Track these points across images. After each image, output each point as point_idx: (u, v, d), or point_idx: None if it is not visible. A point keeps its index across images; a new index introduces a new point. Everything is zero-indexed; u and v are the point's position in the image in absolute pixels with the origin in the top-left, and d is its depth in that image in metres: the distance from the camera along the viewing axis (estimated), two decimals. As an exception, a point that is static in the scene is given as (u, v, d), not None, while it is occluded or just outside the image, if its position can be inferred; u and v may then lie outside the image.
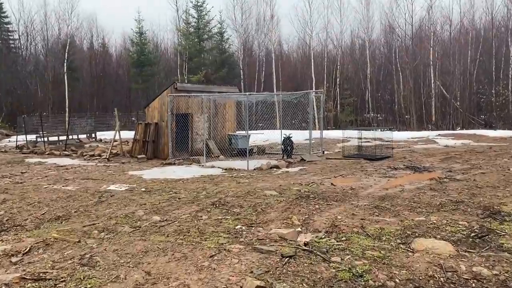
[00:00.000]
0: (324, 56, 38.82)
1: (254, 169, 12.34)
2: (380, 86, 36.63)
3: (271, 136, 20.38)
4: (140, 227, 6.06)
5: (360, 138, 15.82)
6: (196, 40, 35.28)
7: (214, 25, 37.94)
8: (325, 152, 15.94)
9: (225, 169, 12.48)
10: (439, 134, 22.93)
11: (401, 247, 4.96)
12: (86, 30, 43.28)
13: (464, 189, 8.48)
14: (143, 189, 9.05)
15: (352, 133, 17.45)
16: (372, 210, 6.78)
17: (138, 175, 11.56)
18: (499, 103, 29.45)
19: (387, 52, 39.18)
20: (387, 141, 16.72)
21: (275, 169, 12.43)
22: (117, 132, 16.44)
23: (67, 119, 33.61)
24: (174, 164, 14.02)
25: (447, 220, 6.06)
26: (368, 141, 17.71)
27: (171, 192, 8.54)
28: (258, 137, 20.62)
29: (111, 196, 8.21)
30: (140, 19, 37.48)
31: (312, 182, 9.66)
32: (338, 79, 36.53)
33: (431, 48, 31.01)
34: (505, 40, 33.18)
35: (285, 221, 6.24)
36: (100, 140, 23.26)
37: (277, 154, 15.85)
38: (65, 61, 34.83)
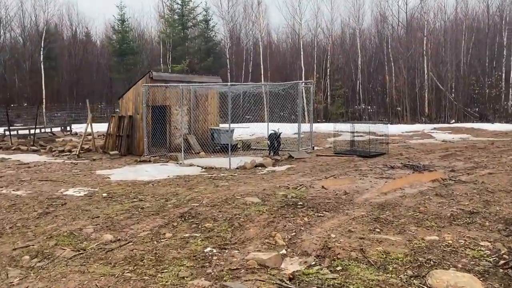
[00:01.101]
0: (314, 45, 37.54)
1: (237, 168, 11.14)
2: (371, 77, 35.52)
3: (258, 130, 19.19)
4: (85, 250, 4.83)
5: (353, 132, 14.70)
6: (180, 27, 33.66)
7: (199, 12, 36.41)
8: (315, 148, 14.81)
9: (205, 168, 11.27)
10: (434, 128, 21.95)
11: (414, 284, 3.81)
12: (66, 17, 41.35)
13: (474, 194, 7.39)
14: (105, 195, 7.79)
15: (344, 127, 16.34)
16: (372, 224, 5.63)
17: (105, 176, 10.29)
18: (493, 95, 28.62)
19: (378, 42, 38.08)
20: (380, 136, 15.64)
21: (260, 168, 11.24)
22: (89, 125, 15.07)
23: (43, 110, 32.01)
24: (150, 161, 12.74)
25: (465, 240, 4.94)
26: (361, 135, 16.59)
27: (135, 199, 7.29)
28: (244, 131, 19.41)
29: (62, 204, 6.94)
30: (122, 6, 35.71)
31: (300, 185, 8.50)
32: (328, 70, 35.33)
33: (425, 38, 29.94)
34: (499, 30, 32.29)
35: (266, 240, 5.07)
36: (76, 133, 21.79)
37: (263, 150, 14.66)
38: (42, 50, 32.98)
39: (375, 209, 6.50)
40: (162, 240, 5.10)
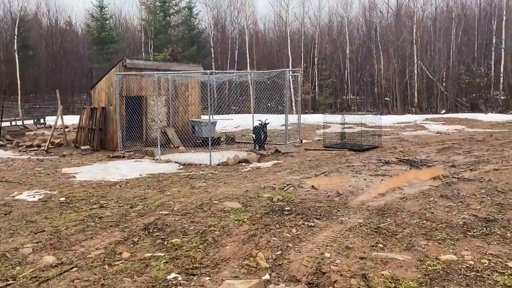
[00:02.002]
0: (301, 34, 36.47)
1: (218, 165, 10.16)
2: (360, 67, 34.64)
3: (244, 121, 18.15)
4: (15, 279, 3.81)
5: (343, 124, 13.79)
6: (161, 14, 32.17)
7: (182, -2, 34.77)
8: (303, 141, 13.88)
9: (183, 165, 10.26)
10: (426, 119, 21.18)
11: (437, 329, 2.89)
12: (43, 3, 39.42)
13: (483, 195, 6.54)
14: (63, 199, 6.75)
15: (333, 118, 15.42)
16: (373, 236, 4.72)
17: (71, 174, 9.22)
18: (483, 84, 28.00)
19: (367, 31, 37.17)
20: (371, 128, 14.77)
21: (244, 164, 10.28)
22: (59, 117, 13.88)
23: (19, 101, 30.47)
24: (124, 157, 11.68)
25: (488, 259, 4.05)
26: (351, 127, 15.72)
27: (95, 205, 6.26)
28: (228, 123, 18.37)
29: (5, 214, 5.87)
30: (101, -10, 33.77)
31: (288, 184, 7.56)
32: (316, 59, 34.32)
33: (415, 25, 29.10)
34: (489, 19, 31.63)
35: (246, 261, 4.12)
36: (50, 126, 20.43)
37: (248, 143, 13.68)
38: (16, 38, 31.26)
39: (373, 215, 5.59)
40: (116, 263, 4.10)
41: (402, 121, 19.96)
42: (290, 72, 15.38)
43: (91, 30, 33.82)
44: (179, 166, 10.19)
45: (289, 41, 32.60)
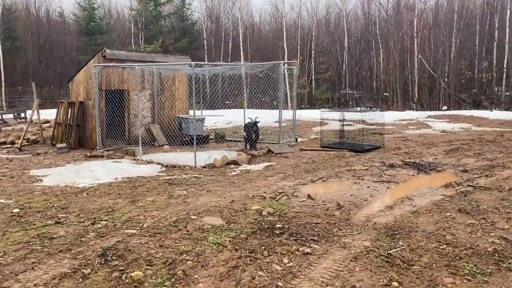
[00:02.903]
0: (298, 26, 35.35)
1: (204, 167, 9.18)
2: (358, 60, 33.57)
3: (236, 117, 17.13)
4: None
5: (342, 121, 12.82)
6: (152, 4, 30.92)
7: (173, -13, 33.45)
8: (299, 140, 12.90)
9: (165, 167, 9.26)
10: (429, 116, 20.21)
11: None
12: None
13: (508, 208, 5.62)
14: (16, 210, 5.75)
15: (331, 114, 14.45)
16: (384, 269, 3.77)
17: (38, 177, 8.20)
18: (485, 80, 27.11)
19: (365, 23, 36.12)
20: (372, 125, 13.83)
21: (232, 166, 9.30)
22: (34, 112, 12.82)
23: (2, 94, 29.25)
24: (102, 156, 10.66)
25: (539, 308, 3.11)
26: (350, 124, 14.74)
27: (51, 220, 5.27)
28: (220, 119, 17.35)
29: None
30: (88, -22, 32.32)
31: (280, 193, 6.62)
32: (313, 52, 33.23)
33: (416, 18, 28.07)
34: (492, 12, 30.66)
35: (222, 308, 3.15)
36: (31, 121, 19.31)
37: (239, 141, 12.68)
38: (0, 28, 29.96)
39: (382, 235, 4.66)
40: (51, 311, 3.13)
41: (403, 118, 19.00)
42: (286, 64, 14.42)
43: (79, 20, 32.51)
44: (161, 168, 9.20)
45: (284, 32, 31.47)
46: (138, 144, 11.07)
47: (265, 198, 6.34)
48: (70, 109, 12.08)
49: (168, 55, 14.71)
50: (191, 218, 5.23)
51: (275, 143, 11.76)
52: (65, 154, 11.18)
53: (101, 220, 5.20)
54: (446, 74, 26.78)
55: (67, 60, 34.80)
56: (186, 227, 4.90)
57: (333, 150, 10.89)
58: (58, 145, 11.58)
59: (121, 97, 11.83)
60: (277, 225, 4.99)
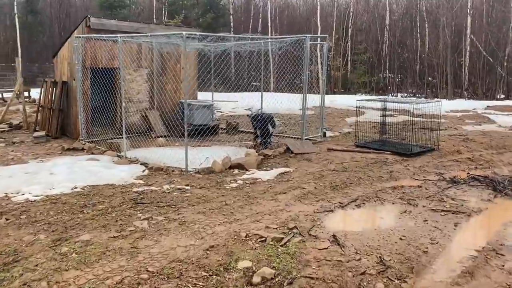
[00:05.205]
0: (334, 1, 32.13)
1: (199, 172, 6.97)
2: (400, 40, 30.04)
3: (258, 103, 14.74)
4: None
5: (384, 110, 10.24)
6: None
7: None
8: (328, 134, 10.45)
9: (149, 169, 7.15)
10: (488, 106, 17.07)
11: None
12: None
13: None
14: None
15: (369, 103, 11.84)
16: None
17: (-20, 181, 6.26)
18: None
19: None
20: (419, 116, 11.10)
21: (236, 170, 7.06)
22: (17, 92, 10.99)
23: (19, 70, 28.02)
24: (83, 150, 8.70)
25: None
26: (391, 115, 12.07)
27: None
28: (237, 104, 15.03)
29: None
30: None
31: (291, 229, 4.35)
32: (350, 30, 30.06)
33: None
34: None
35: None
36: (34, 100, 17.73)
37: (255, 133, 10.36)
38: (15, 2, 28.68)
39: None
40: None
41: (456, 108, 15.98)
42: (316, 39, 11.81)
43: (99, -7, 30.75)
44: (143, 170, 7.08)
45: (318, 6, 28.43)
46: (133, 132, 9.07)
47: (265, 240, 4.08)
48: (53, 90, 10.14)
49: (171, 27, 12.44)
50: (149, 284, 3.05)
51: (297, 138, 9.40)
52: (40, 145, 9.29)
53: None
54: (506, 58, 23.08)
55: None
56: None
57: (371, 152, 8.40)
58: (35, 134, 9.70)
59: (112, 76, 9.74)
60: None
